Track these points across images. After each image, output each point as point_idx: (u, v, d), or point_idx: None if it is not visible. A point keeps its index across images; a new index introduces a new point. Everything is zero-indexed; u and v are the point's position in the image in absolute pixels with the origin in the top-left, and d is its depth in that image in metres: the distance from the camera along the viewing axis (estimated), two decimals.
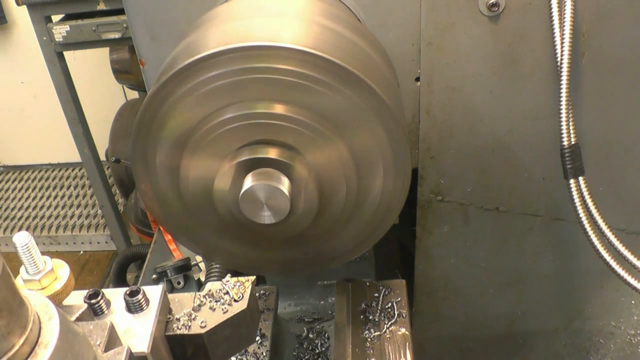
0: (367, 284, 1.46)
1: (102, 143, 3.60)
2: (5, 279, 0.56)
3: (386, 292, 1.44)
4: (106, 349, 0.69)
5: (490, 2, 1.34)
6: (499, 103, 1.48)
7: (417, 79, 1.47)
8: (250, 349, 1.38)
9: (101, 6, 2.86)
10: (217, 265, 1.83)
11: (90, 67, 4.34)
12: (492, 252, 1.76)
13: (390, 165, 1.08)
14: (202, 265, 2.01)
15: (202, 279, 1.90)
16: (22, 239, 0.72)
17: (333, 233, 1.18)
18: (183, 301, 0.89)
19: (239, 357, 1.37)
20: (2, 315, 0.55)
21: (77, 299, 0.79)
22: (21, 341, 0.57)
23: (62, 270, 0.79)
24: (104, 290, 0.83)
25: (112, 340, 0.70)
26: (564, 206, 1.60)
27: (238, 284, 0.90)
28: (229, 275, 0.94)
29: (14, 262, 0.75)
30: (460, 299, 1.88)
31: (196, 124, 1.05)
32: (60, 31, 2.95)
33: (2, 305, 0.55)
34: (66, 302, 0.78)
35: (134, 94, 4.33)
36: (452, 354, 2.04)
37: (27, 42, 4.39)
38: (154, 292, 0.84)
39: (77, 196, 4.85)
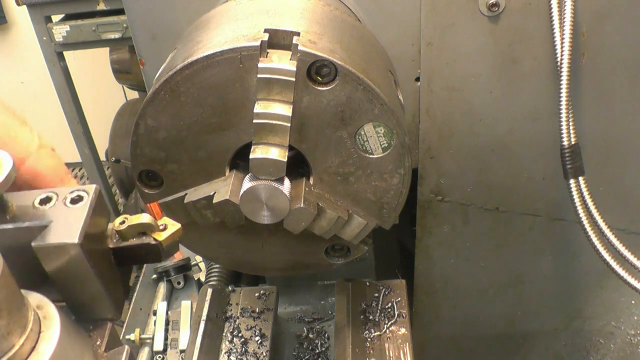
0: (367, 284, 1.47)
1: (102, 143, 3.60)
2: (5, 279, 0.56)
3: (386, 292, 1.44)
4: (106, 349, 0.69)
5: (490, 2, 1.34)
6: (499, 103, 1.48)
7: (417, 79, 1.47)
8: (250, 349, 1.39)
9: (101, 6, 2.87)
10: (217, 266, 1.83)
11: (90, 67, 4.34)
12: (492, 252, 1.76)
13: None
14: (202, 265, 2.02)
15: (202, 279, 1.90)
16: None
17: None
18: None
19: (239, 357, 1.37)
20: (2, 315, 0.55)
21: (25, 200, 0.71)
22: (21, 341, 0.57)
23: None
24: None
25: (113, 340, 0.70)
26: (564, 206, 1.60)
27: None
28: None
29: None
30: (460, 299, 1.88)
31: (195, 122, 1.05)
32: (60, 31, 2.96)
33: (2, 305, 0.55)
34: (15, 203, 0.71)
35: (134, 94, 4.33)
36: (452, 354, 2.04)
37: (27, 42, 4.39)
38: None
39: None
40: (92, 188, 0.72)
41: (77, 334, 0.65)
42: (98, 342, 0.68)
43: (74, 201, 0.70)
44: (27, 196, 0.71)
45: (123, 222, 0.74)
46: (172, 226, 0.78)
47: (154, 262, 0.77)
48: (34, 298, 0.63)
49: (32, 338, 0.58)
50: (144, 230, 0.75)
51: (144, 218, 0.75)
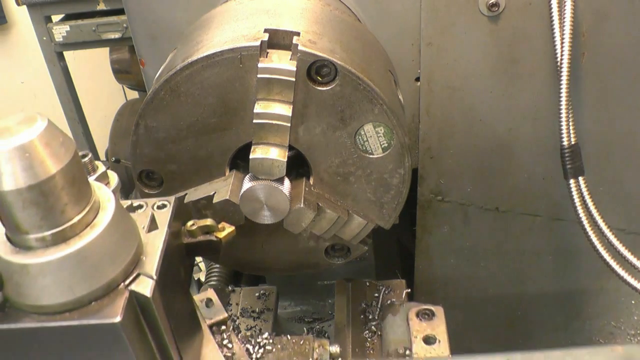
0: (367, 284, 1.46)
1: (102, 143, 3.59)
2: (76, 159, 0.71)
3: (386, 292, 1.44)
4: (149, 231, 0.85)
5: (490, 2, 1.34)
6: (499, 103, 1.48)
7: (417, 79, 1.47)
8: None
9: (101, 6, 2.87)
10: (217, 266, 1.83)
11: (90, 67, 4.34)
12: (492, 252, 1.76)
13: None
14: (202, 265, 2.02)
15: (202, 279, 1.90)
16: None
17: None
18: None
19: None
20: (75, 185, 0.71)
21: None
22: (87, 208, 0.73)
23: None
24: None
25: (154, 225, 0.87)
26: (564, 206, 1.60)
27: None
28: None
29: None
30: (460, 298, 1.88)
31: (195, 122, 1.05)
32: (60, 31, 2.96)
33: (75, 177, 0.71)
34: None
35: (134, 94, 4.33)
36: (452, 353, 2.04)
37: (27, 42, 4.38)
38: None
39: None
40: (172, 198, 0.93)
41: (127, 215, 0.82)
42: (143, 226, 0.85)
43: (160, 207, 0.91)
44: (125, 203, 0.90)
45: (193, 224, 0.96)
46: (228, 227, 0.99)
47: (214, 254, 0.98)
48: (94, 182, 0.79)
49: (95, 208, 0.75)
50: (208, 230, 0.97)
51: (208, 221, 0.96)
